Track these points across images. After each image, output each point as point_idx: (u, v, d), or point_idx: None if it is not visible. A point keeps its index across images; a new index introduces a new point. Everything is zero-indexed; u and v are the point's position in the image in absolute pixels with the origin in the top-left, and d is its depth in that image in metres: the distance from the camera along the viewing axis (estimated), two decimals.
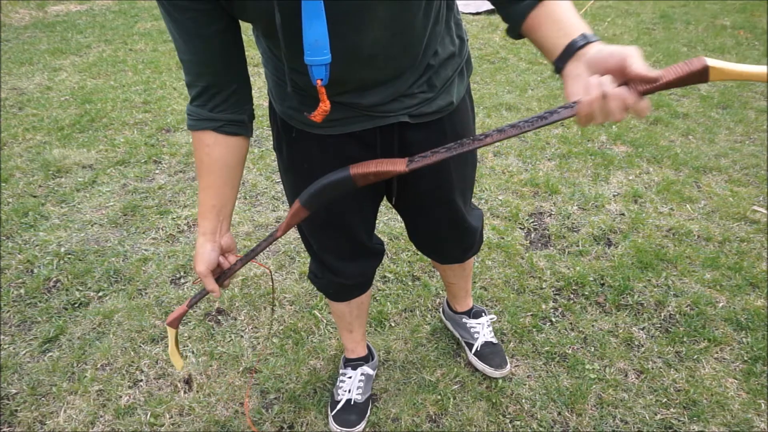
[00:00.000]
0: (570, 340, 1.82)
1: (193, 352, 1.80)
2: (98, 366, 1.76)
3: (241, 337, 1.86)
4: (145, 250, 2.28)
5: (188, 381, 1.71)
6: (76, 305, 2.01)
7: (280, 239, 2.30)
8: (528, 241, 2.29)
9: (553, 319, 1.90)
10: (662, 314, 1.91)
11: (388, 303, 1.98)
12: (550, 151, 2.97)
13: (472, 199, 1.47)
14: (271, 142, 1.26)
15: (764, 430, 1.53)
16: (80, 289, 2.08)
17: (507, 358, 1.72)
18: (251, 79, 1.05)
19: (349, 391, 1.59)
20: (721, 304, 1.93)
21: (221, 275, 1.10)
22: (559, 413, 1.59)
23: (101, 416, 1.61)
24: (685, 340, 1.80)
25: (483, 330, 1.75)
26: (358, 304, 1.53)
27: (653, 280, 2.06)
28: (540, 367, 1.73)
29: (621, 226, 2.36)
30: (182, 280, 2.12)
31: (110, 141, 3.16)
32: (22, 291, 2.07)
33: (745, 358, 1.73)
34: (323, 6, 0.82)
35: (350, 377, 1.62)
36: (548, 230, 2.35)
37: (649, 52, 4.42)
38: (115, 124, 3.37)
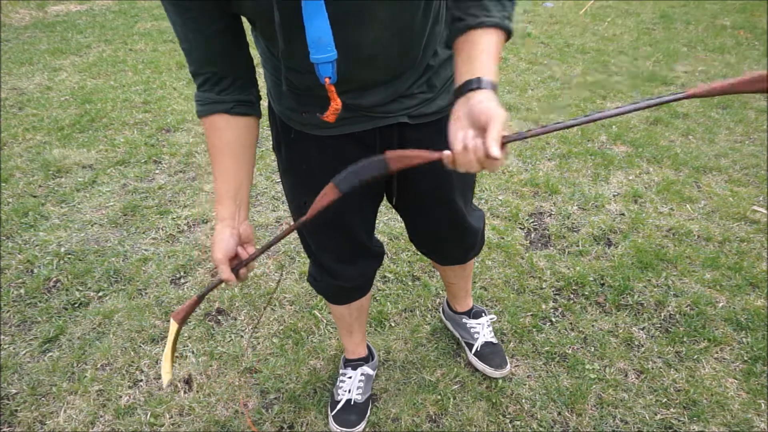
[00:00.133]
0: (570, 340, 1.82)
1: (193, 352, 1.80)
2: (98, 366, 1.76)
3: (241, 337, 1.86)
4: (145, 250, 2.28)
5: (188, 381, 1.71)
6: (76, 305, 2.01)
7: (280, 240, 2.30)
8: (528, 241, 2.29)
9: (553, 319, 1.90)
10: (662, 314, 1.91)
11: (388, 303, 1.98)
12: (550, 151, 2.97)
13: (473, 200, 1.47)
14: (271, 143, 1.25)
15: (764, 430, 1.53)
16: (80, 289, 2.08)
17: (507, 358, 1.72)
18: None
19: (349, 391, 1.59)
20: (721, 304, 1.93)
21: (238, 265, 1.05)
22: (559, 413, 1.59)
23: (101, 416, 1.61)
24: (685, 340, 1.80)
25: (483, 330, 1.75)
26: (358, 307, 1.53)
27: (653, 280, 2.06)
28: (540, 367, 1.73)
29: (621, 226, 2.36)
30: (182, 280, 2.12)
31: (110, 141, 3.16)
32: (22, 291, 2.07)
33: (745, 358, 1.73)
34: (324, 5, 0.82)
35: (350, 377, 1.62)
36: (548, 230, 2.35)
37: (649, 52, 4.42)
38: (115, 124, 3.37)
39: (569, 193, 2.59)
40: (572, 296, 2.01)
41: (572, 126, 0.80)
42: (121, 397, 1.66)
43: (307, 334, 1.87)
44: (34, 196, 2.65)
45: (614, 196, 2.58)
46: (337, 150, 1.13)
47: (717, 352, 1.76)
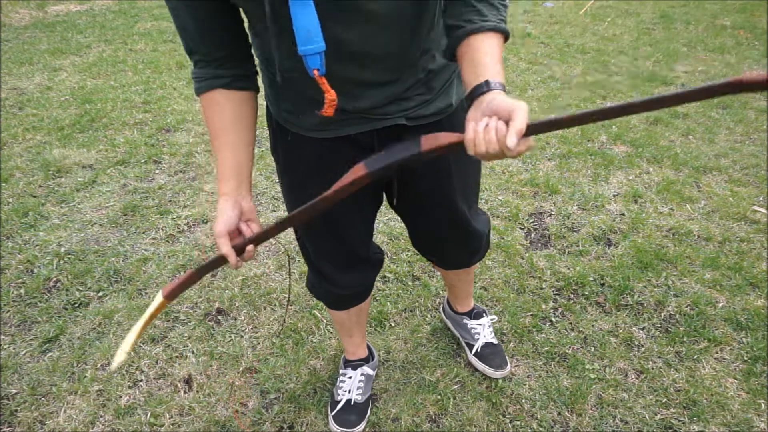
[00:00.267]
0: (570, 340, 1.82)
1: (193, 352, 1.80)
2: (98, 366, 1.76)
3: (241, 337, 1.86)
4: (145, 250, 2.28)
5: (188, 381, 1.71)
6: (76, 305, 2.01)
7: (280, 240, 2.30)
8: (528, 241, 2.29)
9: (553, 319, 1.90)
10: (662, 314, 1.91)
11: (388, 303, 1.98)
12: (550, 151, 2.97)
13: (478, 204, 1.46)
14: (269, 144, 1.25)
15: (764, 430, 1.53)
16: (80, 289, 2.08)
17: (507, 358, 1.72)
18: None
19: (349, 392, 1.59)
20: (721, 304, 1.93)
21: (240, 244, 0.99)
22: (559, 413, 1.59)
23: (101, 416, 1.61)
24: (685, 340, 1.80)
25: (484, 331, 1.74)
26: (358, 311, 1.52)
27: (653, 280, 2.06)
28: (540, 367, 1.73)
29: (621, 226, 2.36)
30: None
31: (110, 141, 3.16)
32: (22, 291, 2.07)
33: (745, 358, 1.73)
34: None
35: (350, 377, 1.62)
36: (548, 230, 2.35)
37: (649, 52, 4.43)
38: (115, 124, 3.37)
39: (569, 193, 2.59)
40: (572, 296, 2.01)
41: (607, 115, 0.74)
42: (121, 397, 1.66)
43: (307, 334, 1.87)
44: (34, 196, 2.65)
45: (614, 196, 2.58)
46: (333, 152, 1.13)
47: (717, 352, 1.76)
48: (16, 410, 1.62)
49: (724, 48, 4.49)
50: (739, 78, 0.65)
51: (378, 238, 2.31)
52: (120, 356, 1.01)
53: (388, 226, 2.38)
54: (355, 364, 1.64)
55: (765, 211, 2.42)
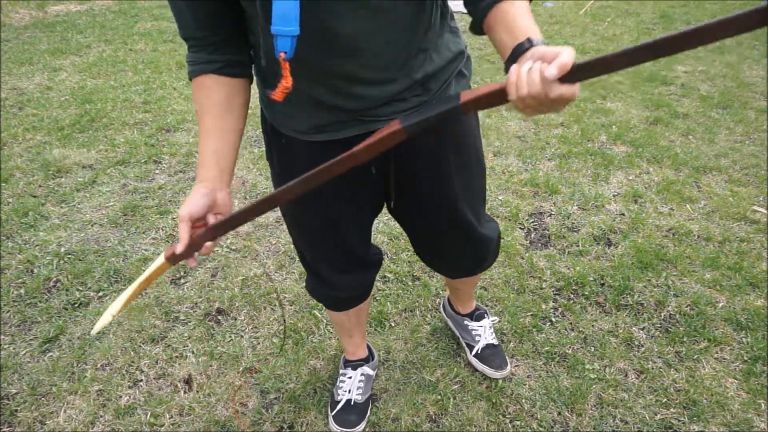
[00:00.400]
0: (570, 340, 1.82)
1: (193, 352, 1.80)
2: (98, 366, 1.76)
3: (241, 337, 1.86)
4: (145, 250, 2.28)
5: (188, 381, 1.71)
6: (76, 305, 2.01)
7: (280, 239, 2.30)
8: (528, 241, 2.29)
9: (553, 319, 1.90)
10: (662, 314, 1.91)
11: (388, 303, 1.98)
12: (550, 151, 2.97)
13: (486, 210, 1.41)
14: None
15: (764, 430, 1.53)
16: (80, 289, 2.08)
17: (507, 358, 1.72)
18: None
19: (349, 392, 1.59)
20: (721, 304, 1.93)
21: (202, 234, 0.96)
22: (559, 413, 1.59)
23: (101, 416, 1.61)
24: (685, 340, 1.80)
25: (485, 333, 1.74)
26: (357, 312, 1.52)
27: (653, 280, 2.06)
28: (540, 367, 1.73)
29: (621, 226, 2.36)
30: (182, 281, 2.12)
31: (110, 141, 3.16)
32: (22, 291, 2.07)
33: (745, 358, 1.73)
34: None
35: (350, 377, 1.62)
36: (548, 230, 2.35)
37: None
38: (115, 124, 3.37)
39: (569, 193, 2.59)
40: (572, 296, 2.01)
41: (662, 49, 0.67)
42: (121, 397, 1.66)
43: (307, 334, 1.87)
44: (34, 196, 2.65)
45: (614, 196, 2.58)
46: (327, 156, 1.11)
47: (717, 352, 1.76)
48: (16, 410, 1.62)
49: (724, 48, 4.49)
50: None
51: (378, 238, 2.31)
52: (105, 318, 0.98)
53: (388, 226, 2.38)
54: (355, 364, 1.64)
55: (765, 211, 2.42)
